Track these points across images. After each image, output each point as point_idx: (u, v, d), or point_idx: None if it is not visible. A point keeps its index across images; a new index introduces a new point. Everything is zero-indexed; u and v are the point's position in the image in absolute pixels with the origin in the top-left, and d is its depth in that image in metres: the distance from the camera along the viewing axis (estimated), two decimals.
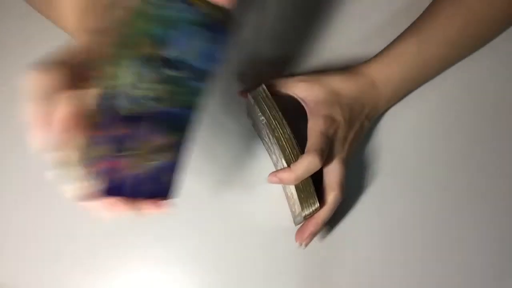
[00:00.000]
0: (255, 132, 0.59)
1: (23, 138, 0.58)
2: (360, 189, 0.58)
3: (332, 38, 0.62)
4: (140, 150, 0.35)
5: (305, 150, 0.50)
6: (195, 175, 0.55)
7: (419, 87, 0.60)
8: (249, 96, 0.53)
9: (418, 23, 0.58)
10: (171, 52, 0.35)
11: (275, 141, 0.50)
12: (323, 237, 0.57)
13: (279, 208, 0.56)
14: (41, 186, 0.58)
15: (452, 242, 0.57)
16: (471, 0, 0.56)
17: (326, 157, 0.51)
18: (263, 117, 0.51)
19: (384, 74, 0.56)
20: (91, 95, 0.33)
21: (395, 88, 0.57)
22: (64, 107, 0.32)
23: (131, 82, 0.34)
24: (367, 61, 0.57)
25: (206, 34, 0.36)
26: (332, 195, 0.52)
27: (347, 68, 0.56)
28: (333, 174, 0.52)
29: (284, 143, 0.50)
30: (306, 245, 0.53)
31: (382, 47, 0.57)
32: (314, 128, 0.51)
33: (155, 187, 0.36)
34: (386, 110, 0.60)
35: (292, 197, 0.52)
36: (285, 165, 0.50)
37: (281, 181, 0.49)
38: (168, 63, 0.35)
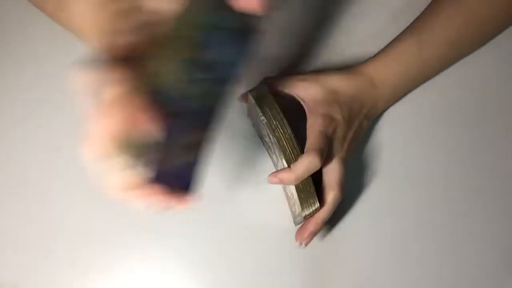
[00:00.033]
0: (255, 132, 0.59)
1: (23, 137, 0.59)
2: (360, 189, 0.58)
3: (332, 37, 0.62)
4: (175, 145, 0.36)
5: (305, 150, 0.50)
6: None
7: (419, 86, 0.60)
8: (250, 96, 0.53)
9: (417, 22, 0.58)
10: (206, 55, 0.37)
11: (276, 141, 0.50)
12: (323, 236, 0.57)
13: (279, 208, 0.56)
14: (41, 186, 0.58)
15: (452, 241, 0.57)
16: (471, 0, 0.56)
17: (326, 156, 0.51)
18: (263, 117, 0.51)
19: (384, 73, 0.56)
20: (136, 89, 0.34)
21: (394, 88, 0.57)
22: (114, 99, 0.33)
23: (171, 81, 0.35)
24: (366, 60, 0.57)
25: (237, 39, 0.38)
26: (331, 195, 0.52)
27: (346, 67, 0.56)
28: (332, 174, 0.52)
29: (284, 143, 0.50)
30: (306, 244, 0.53)
31: (382, 47, 0.57)
32: (313, 128, 0.51)
33: (182, 182, 0.38)
34: (385, 110, 0.60)
35: (292, 197, 0.52)
36: (286, 165, 0.50)
37: (281, 182, 0.50)
38: (203, 65, 0.37)
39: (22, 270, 0.56)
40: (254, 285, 0.56)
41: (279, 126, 0.51)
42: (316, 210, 0.51)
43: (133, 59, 0.34)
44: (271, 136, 0.51)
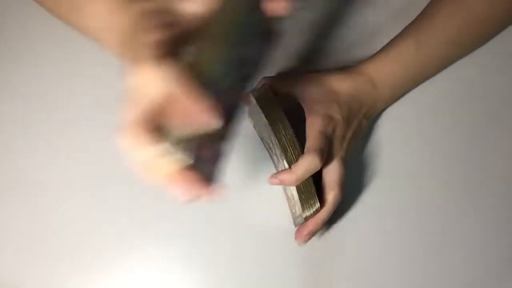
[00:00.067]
0: (256, 132, 0.59)
1: (22, 136, 0.59)
2: (360, 189, 0.58)
3: (331, 37, 0.62)
4: (209, 135, 0.36)
5: (305, 151, 0.50)
6: None
7: (418, 85, 0.60)
8: (251, 96, 0.52)
9: (417, 22, 0.58)
10: (238, 52, 0.38)
11: (277, 142, 0.50)
12: (323, 236, 0.57)
13: (279, 208, 0.56)
14: (41, 186, 0.58)
15: (452, 241, 0.57)
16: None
17: (326, 156, 0.51)
18: (264, 118, 0.51)
19: (383, 73, 0.56)
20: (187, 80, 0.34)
21: (393, 87, 0.57)
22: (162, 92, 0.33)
23: (211, 75, 0.36)
24: (365, 60, 0.57)
25: (263, 39, 0.40)
26: (332, 195, 0.52)
27: (345, 67, 0.56)
28: (332, 174, 0.52)
29: (285, 143, 0.50)
30: (305, 242, 0.53)
31: (381, 47, 0.57)
32: (313, 128, 0.51)
33: (210, 172, 0.38)
34: (384, 109, 0.60)
35: (293, 198, 0.52)
36: (287, 166, 0.50)
37: (282, 183, 0.50)
38: (235, 62, 0.37)
39: (22, 270, 0.56)
40: (254, 285, 0.56)
41: (280, 127, 0.51)
42: (317, 211, 0.51)
43: (174, 53, 0.34)
44: (272, 137, 0.51)
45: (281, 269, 0.56)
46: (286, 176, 0.49)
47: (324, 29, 0.62)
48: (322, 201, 0.52)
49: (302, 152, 0.50)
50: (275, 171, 0.55)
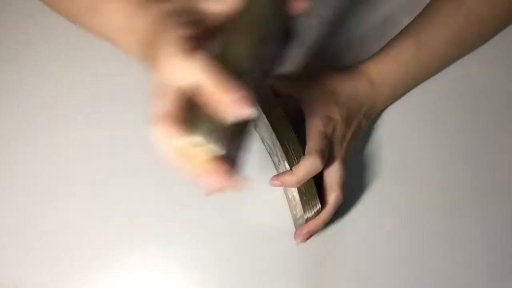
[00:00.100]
0: (257, 133, 0.59)
1: (23, 136, 0.59)
2: (360, 189, 0.58)
3: (331, 37, 0.62)
4: (237, 126, 0.37)
5: (306, 152, 0.50)
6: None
7: (418, 85, 0.60)
8: None
9: (417, 22, 0.58)
10: (262, 50, 0.38)
11: (278, 143, 0.50)
12: (323, 236, 0.57)
13: (279, 209, 0.56)
14: (41, 186, 0.57)
15: (453, 241, 0.57)
16: None
17: (327, 157, 0.51)
18: (266, 119, 0.51)
19: (383, 73, 0.56)
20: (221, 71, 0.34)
21: (393, 87, 0.57)
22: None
23: (237, 69, 0.36)
24: (365, 60, 0.57)
25: (283, 38, 0.40)
26: (333, 196, 0.52)
27: (345, 67, 0.56)
28: (333, 175, 0.52)
29: (286, 144, 0.50)
30: (304, 241, 0.53)
31: (381, 47, 0.57)
32: (313, 128, 0.51)
33: (234, 164, 0.38)
34: (384, 109, 0.60)
35: (294, 200, 0.52)
36: (288, 167, 0.50)
37: (283, 184, 0.50)
38: (260, 59, 0.38)
39: (22, 270, 0.56)
40: (254, 285, 0.56)
41: (281, 128, 0.50)
42: (318, 212, 0.51)
43: (202, 48, 0.35)
44: (273, 138, 0.51)
45: (281, 269, 0.56)
46: (287, 178, 0.49)
47: (324, 29, 0.62)
48: (323, 202, 0.52)
49: (303, 153, 0.50)
50: (276, 172, 0.55)
